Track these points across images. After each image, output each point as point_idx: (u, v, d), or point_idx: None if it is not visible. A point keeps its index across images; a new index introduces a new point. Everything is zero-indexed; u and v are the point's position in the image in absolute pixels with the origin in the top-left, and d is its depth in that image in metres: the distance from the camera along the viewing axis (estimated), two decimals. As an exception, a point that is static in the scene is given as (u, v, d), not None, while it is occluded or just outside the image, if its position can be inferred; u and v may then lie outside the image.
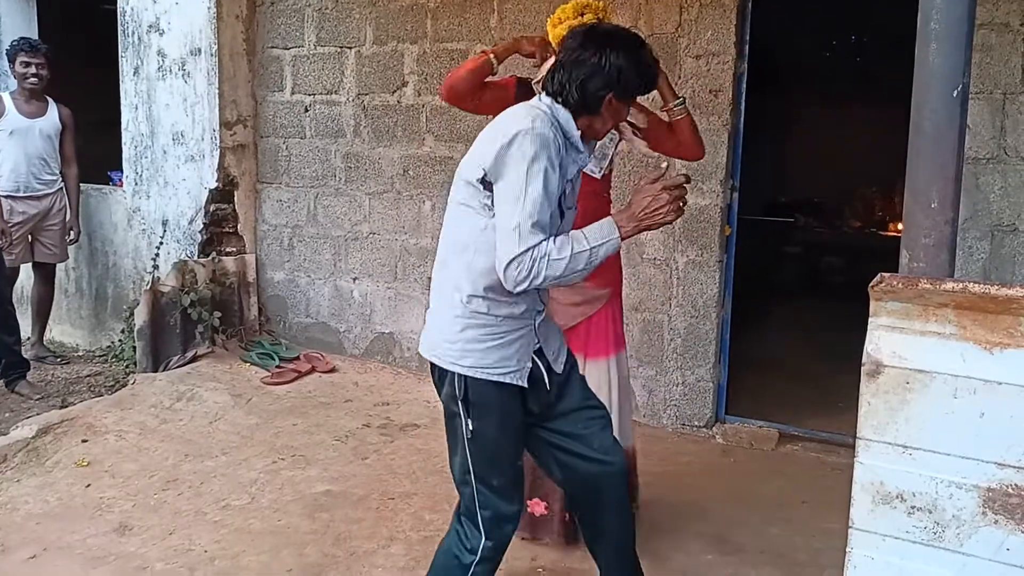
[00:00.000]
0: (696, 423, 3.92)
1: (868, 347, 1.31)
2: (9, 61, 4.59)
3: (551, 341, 2.11)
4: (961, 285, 1.23)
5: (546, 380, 2.05)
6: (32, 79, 4.52)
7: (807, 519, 3.08)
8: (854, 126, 7.67)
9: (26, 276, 4.86)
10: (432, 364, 2.00)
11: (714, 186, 3.78)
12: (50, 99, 4.67)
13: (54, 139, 4.62)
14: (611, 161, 2.80)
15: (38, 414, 3.85)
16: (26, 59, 4.50)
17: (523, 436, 2.08)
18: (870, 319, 1.32)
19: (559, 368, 2.10)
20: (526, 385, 1.98)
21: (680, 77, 3.77)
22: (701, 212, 3.81)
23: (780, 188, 7.93)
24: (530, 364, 1.99)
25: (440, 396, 2.02)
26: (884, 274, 1.28)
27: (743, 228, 3.95)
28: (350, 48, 4.51)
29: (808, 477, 3.49)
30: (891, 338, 1.28)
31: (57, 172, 4.66)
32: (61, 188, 4.69)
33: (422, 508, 3.09)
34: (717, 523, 3.04)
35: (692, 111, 3.70)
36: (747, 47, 3.73)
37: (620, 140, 2.71)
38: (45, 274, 4.81)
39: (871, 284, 1.30)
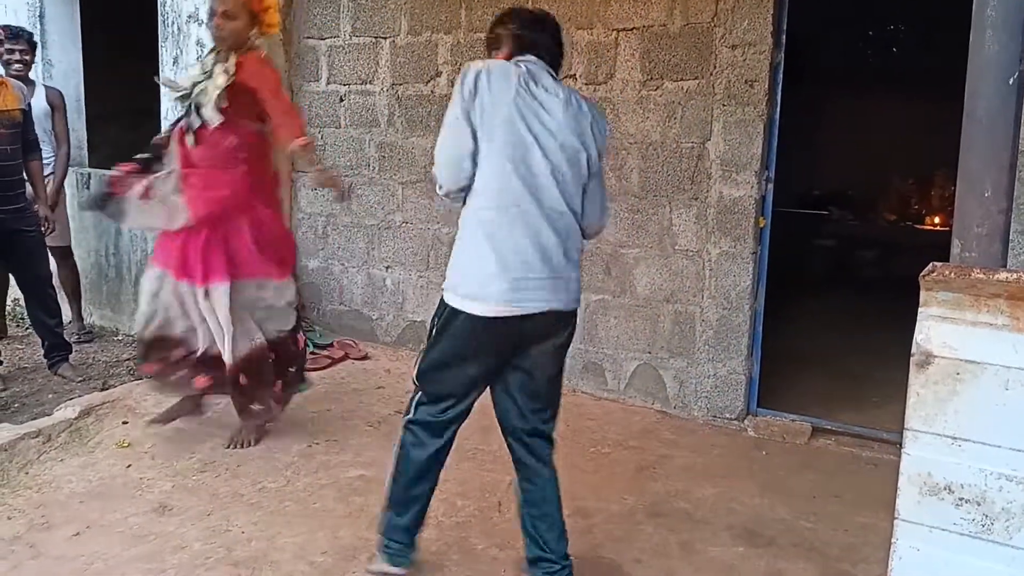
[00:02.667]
0: (728, 415, 3.91)
1: (918, 337, 1.30)
2: None
3: None
4: (1015, 275, 1.22)
5: None
6: (17, 64, 4.61)
7: (840, 513, 3.07)
8: (889, 117, 7.57)
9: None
10: (561, 313, 2.30)
11: (748, 177, 3.76)
12: (37, 82, 4.77)
13: (44, 122, 4.67)
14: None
15: (80, 396, 3.93)
16: (10, 46, 4.59)
17: None
18: (920, 309, 1.31)
19: None
20: None
21: (715, 67, 3.75)
22: (735, 203, 3.79)
23: (813, 180, 7.85)
24: None
25: (564, 339, 2.38)
26: (936, 263, 1.27)
27: (776, 220, 3.92)
28: (385, 38, 4.54)
29: (841, 472, 3.47)
30: (941, 328, 1.27)
31: (52, 154, 4.74)
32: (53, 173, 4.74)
33: (454, 494, 3.11)
34: (748, 516, 3.04)
35: (727, 101, 3.73)
36: (784, 37, 3.70)
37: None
38: (60, 255, 4.89)
39: (922, 273, 1.30)
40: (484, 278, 2.20)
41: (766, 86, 3.68)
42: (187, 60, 4.84)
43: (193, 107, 3.14)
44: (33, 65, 4.77)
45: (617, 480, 3.30)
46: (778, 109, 3.77)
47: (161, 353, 3.35)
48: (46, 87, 4.80)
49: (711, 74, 3.78)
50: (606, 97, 3.99)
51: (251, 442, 3.47)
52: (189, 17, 4.78)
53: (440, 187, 2.30)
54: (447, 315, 2.29)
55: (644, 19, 3.87)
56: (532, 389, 2.39)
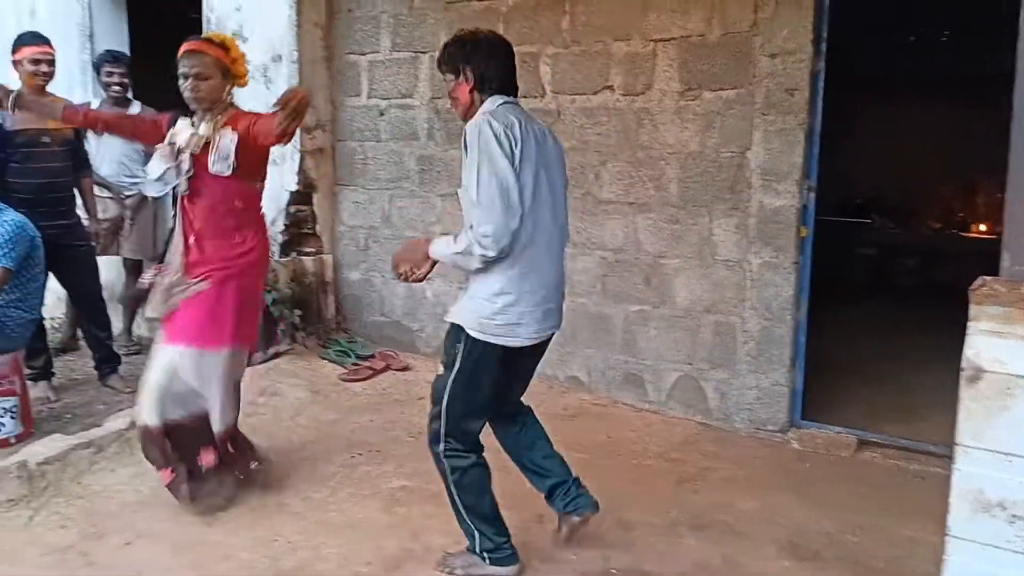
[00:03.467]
0: (771, 427, 3.87)
1: (968, 352, 1.28)
2: (95, 72, 4.85)
3: None
4: (1068, 290, 1.20)
5: None
6: (116, 87, 4.80)
7: (886, 527, 3.02)
8: (930, 123, 7.45)
9: (116, 274, 5.10)
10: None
11: (790, 186, 3.73)
12: (135, 103, 4.90)
13: (130, 145, 4.82)
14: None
15: (130, 407, 4.02)
16: (109, 69, 4.77)
17: None
18: (969, 323, 1.29)
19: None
20: None
21: (755, 76, 3.73)
22: (776, 213, 3.76)
23: (854, 188, 7.74)
24: None
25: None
26: (985, 277, 1.26)
27: (818, 229, 3.88)
28: (424, 53, 4.59)
29: (887, 485, 3.42)
30: (992, 343, 1.25)
31: (138, 176, 4.87)
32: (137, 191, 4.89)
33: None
34: (792, 529, 3.00)
35: (767, 110, 3.70)
36: (824, 45, 3.67)
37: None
38: (129, 268, 5.04)
39: (971, 287, 1.28)
40: (523, 313, 2.42)
41: (807, 95, 3.65)
42: (231, 78, 4.94)
43: (187, 167, 2.98)
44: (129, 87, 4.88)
45: (659, 492, 3.29)
46: (819, 118, 3.73)
47: (179, 452, 3.09)
48: (143, 109, 4.86)
49: (750, 83, 3.76)
50: (644, 108, 3.99)
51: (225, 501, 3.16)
52: (233, 35, 4.86)
53: (490, 242, 2.28)
54: (478, 352, 2.43)
55: (682, 29, 3.87)
56: (523, 386, 2.78)
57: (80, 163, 4.36)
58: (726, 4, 3.76)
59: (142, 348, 5.13)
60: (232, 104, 3.08)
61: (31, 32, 4.19)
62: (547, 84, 4.23)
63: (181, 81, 2.96)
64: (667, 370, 4.09)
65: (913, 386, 4.53)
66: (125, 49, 5.49)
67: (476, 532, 2.61)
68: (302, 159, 4.77)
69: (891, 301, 6.47)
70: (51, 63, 4.07)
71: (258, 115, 2.98)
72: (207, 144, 2.94)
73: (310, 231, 4.90)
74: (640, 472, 3.48)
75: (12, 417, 3.75)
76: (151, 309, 3.14)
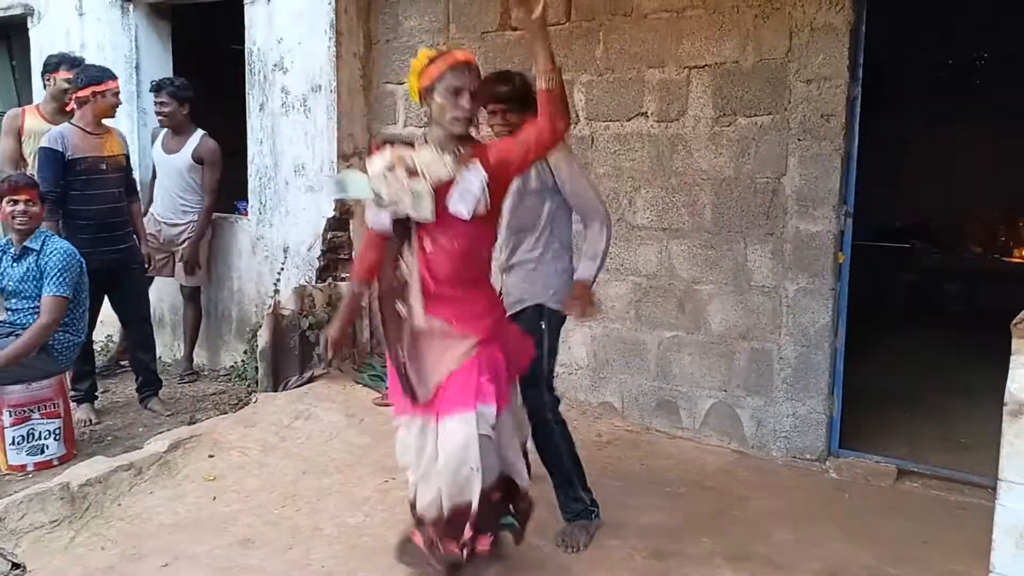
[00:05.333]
0: (808, 456, 3.81)
1: (1011, 386, 1.26)
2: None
3: None
4: (1109, 322, 1.18)
5: None
6: (161, 116, 4.97)
7: (928, 559, 2.95)
8: (974, 146, 7.34)
9: (179, 300, 5.27)
10: None
11: (827, 212, 3.70)
12: (198, 133, 5.00)
13: (185, 174, 4.96)
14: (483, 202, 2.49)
15: (169, 430, 4.10)
16: (155, 99, 4.97)
17: None
18: (1012, 357, 1.27)
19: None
20: None
21: (790, 102, 3.72)
22: (812, 238, 3.73)
23: (894, 212, 7.64)
24: None
25: None
26: None
27: (856, 254, 3.84)
28: (460, 81, 4.65)
29: (929, 516, 3.34)
30: None
31: (191, 205, 5.00)
32: (195, 220, 5.02)
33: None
34: (831, 561, 2.95)
35: (803, 136, 3.69)
36: (860, 70, 3.65)
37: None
38: (186, 295, 5.16)
39: (1014, 321, 1.26)
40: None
41: (843, 120, 3.63)
42: (272, 107, 5.07)
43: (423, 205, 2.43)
44: (184, 116, 4.99)
45: (693, 522, 3.25)
46: (856, 143, 3.70)
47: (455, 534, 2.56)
48: (202, 139, 4.99)
49: (785, 109, 3.75)
50: (678, 134, 4.00)
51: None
52: (274, 66, 5.02)
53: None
54: (556, 319, 2.98)
55: (716, 56, 3.87)
56: None
57: (130, 189, 4.51)
58: (760, 31, 3.76)
59: (199, 376, 5.23)
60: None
61: (101, 67, 4.46)
62: (581, 111, 4.25)
63: (446, 98, 2.41)
64: (702, 397, 4.05)
65: (955, 414, 4.43)
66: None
67: (584, 494, 3.07)
68: (339, 186, 4.84)
69: (933, 327, 6.34)
70: (116, 94, 4.35)
71: (502, 139, 2.64)
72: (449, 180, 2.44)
73: (347, 257, 4.96)
74: (675, 501, 3.44)
75: (56, 439, 3.85)
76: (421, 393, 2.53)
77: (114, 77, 4.34)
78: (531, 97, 2.58)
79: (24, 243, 3.83)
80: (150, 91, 5.02)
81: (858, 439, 3.89)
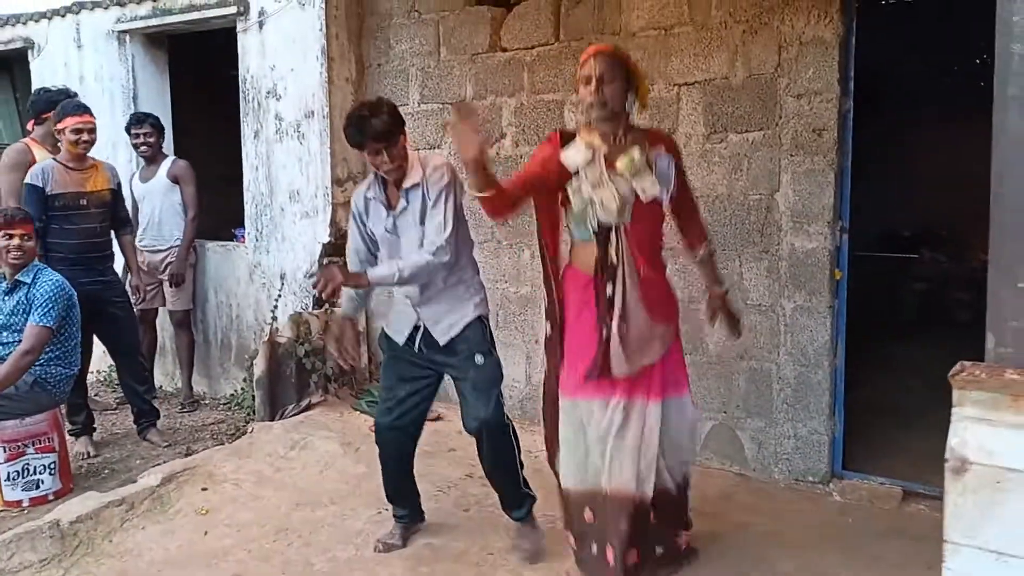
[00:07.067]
0: (811, 478, 3.72)
1: (952, 440, 1.20)
2: (127, 133, 5.06)
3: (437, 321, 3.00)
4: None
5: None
6: (143, 147, 5.01)
7: (934, 587, 2.85)
8: (981, 152, 7.20)
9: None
10: None
11: (821, 228, 3.63)
12: (169, 158, 5.08)
13: (164, 198, 4.99)
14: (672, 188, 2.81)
15: (165, 462, 4.08)
16: (135, 131, 4.99)
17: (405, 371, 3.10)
18: (954, 409, 1.21)
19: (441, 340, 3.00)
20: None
21: (781, 117, 3.67)
22: (808, 255, 3.66)
23: (902, 221, 7.52)
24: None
25: None
26: (964, 363, 1.18)
27: (861, 265, 3.76)
28: (451, 104, 4.64)
29: (935, 539, 3.15)
30: (978, 431, 1.17)
31: (173, 229, 5.01)
32: (179, 243, 5.03)
33: (520, 564, 3.06)
34: (833, 589, 2.86)
35: (795, 151, 3.63)
36: (852, 84, 3.59)
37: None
38: (175, 321, 5.16)
39: (951, 372, 1.20)
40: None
41: (835, 134, 3.57)
42: (267, 134, 5.07)
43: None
44: (161, 146, 5.09)
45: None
46: (849, 157, 3.64)
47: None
48: (173, 161, 5.07)
49: (777, 125, 3.69)
50: (670, 152, 3.94)
51: None
52: (268, 93, 5.02)
53: None
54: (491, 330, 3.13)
55: (705, 73, 3.83)
56: None
57: (120, 222, 4.50)
58: (749, 46, 3.71)
59: (199, 405, 5.22)
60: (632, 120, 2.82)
61: (74, 102, 4.38)
62: (572, 131, 4.21)
63: (583, 87, 2.67)
64: (702, 419, 3.98)
65: (965, 431, 4.31)
66: (167, 108, 5.69)
67: (529, 495, 3.17)
68: (334, 211, 4.83)
69: (943, 337, 6.20)
70: (92, 131, 4.25)
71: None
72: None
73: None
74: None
75: (51, 474, 3.84)
76: (618, 366, 2.70)
77: (75, 113, 4.21)
78: (402, 122, 2.88)
79: (16, 276, 3.84)
80: (130, 125, 5.02)
81: (862, 460, 3.80)
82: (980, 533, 1.17)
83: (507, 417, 3.06)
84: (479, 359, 2.99)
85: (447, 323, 3.01)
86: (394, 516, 3.30)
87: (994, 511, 1.16)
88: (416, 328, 3.05)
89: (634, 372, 2.71)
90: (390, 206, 2.97)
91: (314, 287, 2.80)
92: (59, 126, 4.20)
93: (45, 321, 3.77)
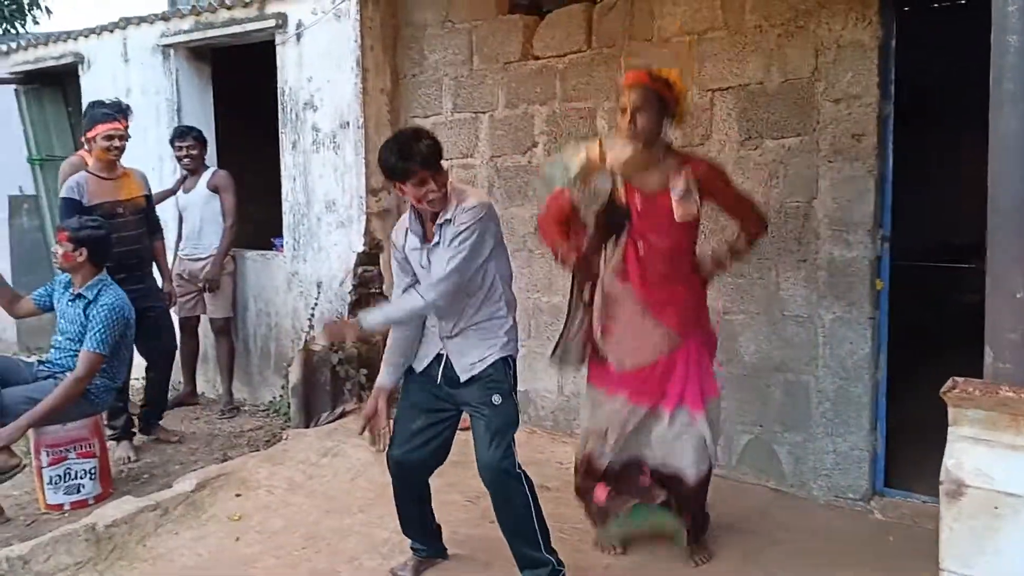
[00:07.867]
0: (851, 495, 3.60)
1: (947, 462, 1.12)
2: (171, 147, 5.21)
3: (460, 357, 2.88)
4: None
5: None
6: (186, 160, 5.14)
7: (978, 612, 2.72)
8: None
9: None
10: None
11: (861, 236, 3.52)
12: (211, 168, 5.21)
13: (203, 208, 5.11)
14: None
15: (203, 467, 4.14)
16: (179, 144, 5.13)
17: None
18: (950, 428, 1.13)
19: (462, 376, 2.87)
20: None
21: (818, 123, 3.57)
22: (847, 265, 3.55)
23: (956, 230, 7.25)
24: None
25: None
26: (956, 379, 1.10)
27: (908, 275, 3.62)
28: (483, 113, 4.63)
29: (982, 562, 3.09)
30: (975, 452, 1.09)
31: (212, 237, 5.13)
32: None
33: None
34: (868, 611, 2.75)
35: (832, 157, 3.52)
36: (892, 87, 3.48)
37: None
38: (215, 329, 5.25)
39: (943, 389, 1.12)
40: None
41: (875, 140, 3.46)
42: (304, 145, 5.14)
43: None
44: (204, 158, 5.24)
45: (723, 567, 3.09)
46: (890, 163, 3.52)
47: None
48: (213, 172, 5.19)
49: (814, 130, 3.60)
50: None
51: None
52: (305, 104, 5.09)
53: None
54: (514, 370, 2.99)
55: (740, 78, 3.75)
56: None
57: (152, 227, 4.60)
58: (784, 50, 3.63)
59: (239, 411, 5.30)
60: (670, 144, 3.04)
61: (103, 110, 4.37)
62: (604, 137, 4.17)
63: (620, 116, 2.93)
64: (736, 432, 3.88)
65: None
66: (210, 120, 5.80)
67: (549, 562, 2.87)
68: (368, 220, 4.87)
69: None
70: (123, 137, 4.33)
71: (729, 182, 3.14)
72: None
73: (377, 291, 4.96)
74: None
75: (91, 478, 3.92)
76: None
77: (106, 120, 4.25)
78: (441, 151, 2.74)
79: (79, 290, 3.94)
80: (173, 138, 5.15)
81: (905, 478, 3.66)
82: (977, 562, 1.09)
83: (520, 466, 2.86)
84: (496, 399, 2.84)
85: (471, 359, 2.86)
86: (411, 547, 3.17)
87: (991, 538, 1.09)
88: (439, 356, 2.91)
89: (627, 367, 3.01)
90: (426, 239, 2.80)
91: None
92: (89, 134, 4.30)
93: (99, 349, 3.84)
